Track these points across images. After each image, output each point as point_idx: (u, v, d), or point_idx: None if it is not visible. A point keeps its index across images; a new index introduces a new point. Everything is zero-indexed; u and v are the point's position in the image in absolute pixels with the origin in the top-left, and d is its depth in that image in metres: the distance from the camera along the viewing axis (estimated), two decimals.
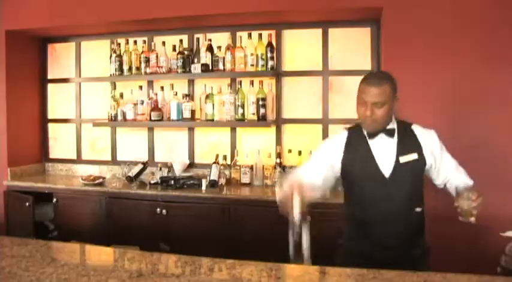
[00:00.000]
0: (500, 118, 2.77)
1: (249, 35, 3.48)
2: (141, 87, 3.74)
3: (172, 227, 3.17)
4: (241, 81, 3.48)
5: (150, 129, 3.91)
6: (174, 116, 3.58)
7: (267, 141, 3.62)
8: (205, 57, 3.51)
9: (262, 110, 3.39)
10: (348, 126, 2.07)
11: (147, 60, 3.66)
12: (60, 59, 4.18)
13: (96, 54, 4.05)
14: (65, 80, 4.17)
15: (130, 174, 3.53)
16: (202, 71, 3.46)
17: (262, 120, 3.39)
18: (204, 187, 3.28)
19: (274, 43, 3.46)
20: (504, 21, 2.74)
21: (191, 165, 3.75)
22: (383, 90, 1.84)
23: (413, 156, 1.89)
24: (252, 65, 3.40)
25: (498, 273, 1.65)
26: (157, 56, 3.63)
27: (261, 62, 3.40)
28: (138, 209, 3.27)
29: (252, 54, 3.40)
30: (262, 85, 3.43)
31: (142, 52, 3.71)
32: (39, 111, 4.19)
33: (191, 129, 3.80)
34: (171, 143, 3.88)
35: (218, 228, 3.09)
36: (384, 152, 1.90)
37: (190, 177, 3.42)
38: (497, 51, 2.76)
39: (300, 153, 3.43)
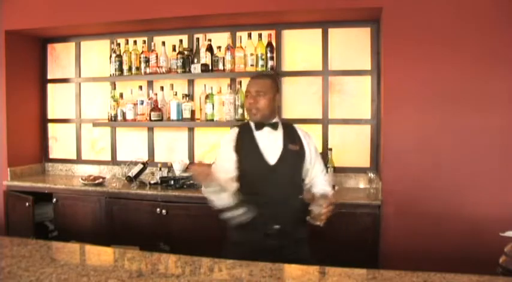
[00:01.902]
0: (500, 118, 2.77)
1: (249, 35, 3.48)
2: (140, 87, 3.74)
3: (172, 227, 3.17)
4: (241, 81, 3.48)
5: (150, 129, 3.91)
6: (174, 116, 3.58)
7: None
8: (205, 57, 3.51)
9: None
10: (238, 124, 2.32)
11: (147, 60, 3.66)
12: (60, 59, 4.18)
13: (96, 54, 4.05)
14: (64, 80, 4.17)
15: (130, 174, 3.53)
16: (202, 71, 3.47)
17: None
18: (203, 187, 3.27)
19: (274, 43, 3.46)
20: (504, 21, 2.74)
21: (191, 165, 3.74)
22: (264, 82, 2.15)
23: (296, 147, 2.14)
24: (252, 65, 3.40)
25: (498, 274, 1.65)
26: (157, 56, 3.63)
27: (260, 62, 3.40)
28: (138, 209, 3.27)
29: (251, 54, 3.40)
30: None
31: (142, 52, 3.71)
32: (39, 112, 4.19)
33: (191, 129, 3.80)
34: (171, 143, 3.88)
35: (218, 228, 3.08)
36: (270, 142, 2.13)
37: (190, 177, 3.41)
38: (497, 51, 2.76)
39: None
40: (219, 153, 2.25)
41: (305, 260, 1.92)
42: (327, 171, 2.44)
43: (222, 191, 2.02)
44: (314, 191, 2.15)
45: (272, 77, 2.24)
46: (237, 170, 2.11)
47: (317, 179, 2.21)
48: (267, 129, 2.15)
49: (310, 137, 2.25)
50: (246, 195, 2.08)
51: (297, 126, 2.27)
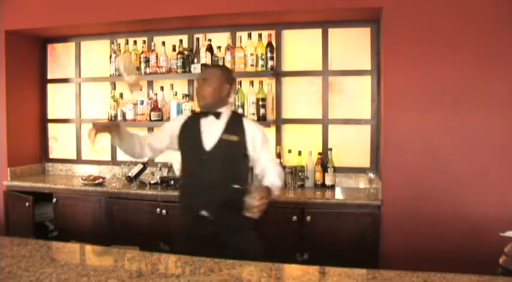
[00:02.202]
0: (501, 118, 2.77)
1: (249, 35, 3.48)
2: (141, 87, 3.74)
3: (172, 227, 3.17)
4: (241, 82, 3.48)
5: (150, 129, 3.90)
6: (174, 116, 3.58)
7: None
8: (205, 57, 3.51)
9: (262, 110, 3.40)
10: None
11: (147, 60, 3.66)
12: (60, 59, 4.18)
13: (96, 54, 4.05)
14: (64, 80, 4.17)
15: (130, 174, 3.53)
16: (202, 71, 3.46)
17: (262, 120, 3.38)
18: None
19: (274, 43, 3.46)
20: (504, 21, 2.74)
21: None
22: (213, 71, 2.27)
23: (235, 138, 2.21)
24: (252, 65, 3.40)
25: (498, 274, 1.65)
26: (157, 56, 3.63)
27: (260, 62, 3.40)
28: (138, 209, 3.27)
29: (251, 54, 3.40)
30: (262, 85, 3.43)
31: (142, 52, 3.71)
32: (39, 111, 4.19)
33: None
34: None
35: None
36: (210, 130, 2.23)
37: None
38: (497, 51, 2.76)
39: (300, 153, 3.43)
40: (162, 127, 2.46)
41: (246, 250, 2.00)
42: (282, 167, 2.55)
43: (123, 144, 2.27)
44: (262, 183, 2.22)
45: (224, 68, 2.38)
46: (179, 152, 2.32)
47: (267, 170, 2.24)
48: (210, 118, 2.25)
49: (258, 130, 2.28)
50: (184, 177, 2.31)
51: (246, 119, 2.34)
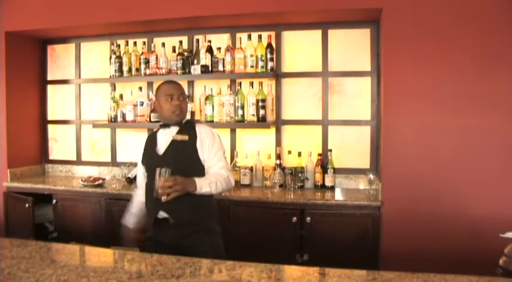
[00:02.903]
0: (501, 118, 2.77)
1: (249, 36, 3.48)
2: (140, 88, 3.75)
3: None
4: (240, 83, 3.48)
5: (150, 131, 3.90)
6: None
7: (266, 142, 3.62)
8: (205, 59, 3.51)
9: (262, 111, 3.39)
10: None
11: (147, 62, 3.67)
12: (60, 60, 4.19)
13: (96, 55, 4.06)
14: (64, 81, 4.17)
15: (130, 175, 3.53)
16: (201, 72, 3.47)
17: (262, 121, 3.39)
18: None
19: (273, 44, 3.46)
20: (504, 21, 2.74)
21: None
22: (182, 87, 2.41)
23: (185, 137, 2.28)
24: (252, 66, 3.40)
25: (498, 275, 1.65)
26: (157, 57, 3.63)
27: (260, 63, 3.40)
28: None
29: (251, 56, 3.40)
30: (261, 86, 3.43)
31: (142, 53, 3.71)
32: (39, 113, 4.20)
33: None
34: None
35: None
36: (166, 136, 2.33)
37: None
38: (497, 52, 2.76)
39: (299, 154, 3.43)
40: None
41: (204, 252, 2.03)
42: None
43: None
44: None
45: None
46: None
47: (214, 172, 2.27)
48: (171, 128, 2.33)
49: (208, 132, 2.33)
50: (146, 187, 2.34)
51: (199, 124, 2.41)
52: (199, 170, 2.27)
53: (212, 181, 2.20)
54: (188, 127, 2.34)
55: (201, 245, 2.20)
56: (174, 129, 2.33)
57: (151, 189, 2.17)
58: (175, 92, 2.32)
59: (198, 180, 2.17)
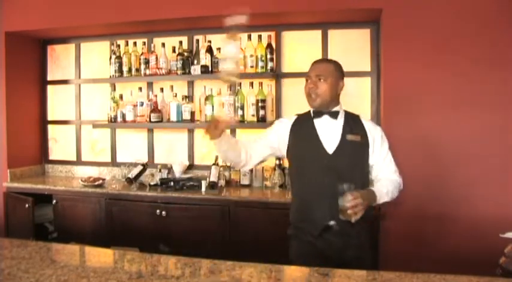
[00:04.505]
0: (500, 119, 2.77)
1: (249, 37, 3.48)
2: (140, 88, 3.75)
3: (172, 229, 3.17)
4: (240, 83, 3.48)
5: (150, 131, 3.91)
6: (173, 118, 3.58)
7: None
8: (204, 59, 3.51)
9: (261, 112, 3.40)
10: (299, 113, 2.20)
11: (147, 62, 3.67)
12: (60, 60, 4.19)
13: (96, 55, 4.06)
14: (64, 82, 4.17)
15: (130, 175, 3.53)
16: (201, 72, 3.47)
17: (261, 121, 3.39)
18: (203, 188, 3.28)
19: (273, 44, 3.46)
20: (504, 21, 2.75)
21: (191, 166, 3.75)
22: (326, 66, 2.03)
23: (358, 138, 2.00)
24: (252, 67, 3.41)
25: (498, 275, 1.65)
26: (156, 58, 3.63)
27: (260, 64, 3.40)
28: (137, 211, 3.27)
29: (251, 56, 3.40)
30: (261, 86, 3.43)
31: (142, 53, 3.71)
32: (39, 113, 4.20)
33: (191, 131, 3.80)
34: (171, 145, 3.88)
35: (218, 229, 3.09)
36: (329, 131, 2.02)
37: (189, 178, 3.42)
38: (497, 52, 2.76)
39: None
40: (266, 131, 2.20)
41: (367, 265, 1.84)
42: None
43: (230, 150, 2.01)
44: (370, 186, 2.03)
45: (336, 63, 2.10)
46: (289, 157, 2.09)
47: (382, 175, 2.04)
48: (325, 117, 2.04)
49: (377, 129, 2.08)
50: (299, 184, 2.05)
51: (363, 118, 2.13)
52: (363, 168, 2.05)
53: (390, 190, 1.97)
54: (353, 121, 2.06)
55: (360, 255, 1.98)
56: (329, 119, 2.04)
57: (314, 189, 1.95)
58: (312, 72, 2.03)
59: (377, 191, 1.93)
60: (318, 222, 1.96)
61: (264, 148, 2.14)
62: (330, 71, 2.02)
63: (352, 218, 1.79)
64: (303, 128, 2.06)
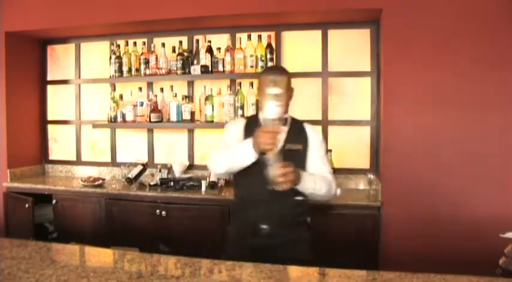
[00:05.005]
0: (500, 119, 2.77)
1: (249, 37, 3.48)
2: (140, 88, 3.75)
3: (172, 229, 3.17)
4: (240, 83, 3.49)
5: (150, 131, 3.91)
6: (173, 118, 3.58)
7: None
8: (204, 59, 3.51)
9: None
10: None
11: (147, 62, 3.67)
12: (60, 60, 4.19)
13: (96, 55, 4.06)
14: (64, 82, 4.17)
15: (130, 175, 3.53)
16: (201, 72, 3.47)
17: None
18: (203, 188, 3.28)
19: (273, 44, 3.46)
20: (504, 21, 2.75)
21: (191, 166, 3.75)
22: (282, 79, 2.04)
23: (297, 145, 2.05)
24: (252, 67, 3.41)
25: (498, 275, 1.65)
26: (156, 58, 3.63)
27: (260, 64, 3.40)
28: (137, 211, 3.27)
29: (251, 56, 3.40)
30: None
31: (141, 53, 3.71)
32: (39, 113, 4.20)
33: (191, 131, 3.80)
34: (171, 145, 3.88)
35: (218, 229, 3.09)
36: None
37: (189, 178, 3.42)
38: (497, 52, 2.76)
39: None
40: (226, 133, 2.20)
41: (304, 260, 1.87)
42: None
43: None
44: None
45: (286, 72, 2.15)
46: None
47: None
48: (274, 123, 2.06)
49: (317, 134, 2.15)
50: (241, 188, 2.14)
51: (306, 124, 2.17)
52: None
53: (318, 182, 1.98)
54: (297, 128, 2.11)
55: (295, 256, 1.97)
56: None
57: (251, 192, 2.03)
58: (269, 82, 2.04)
59: (305, 174, 1.94)
60: (251, 225, 2.05)
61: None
62: (288, 82, 2.09)
63: (281, 187, 1.81)
64: (252, 132, 2.03)
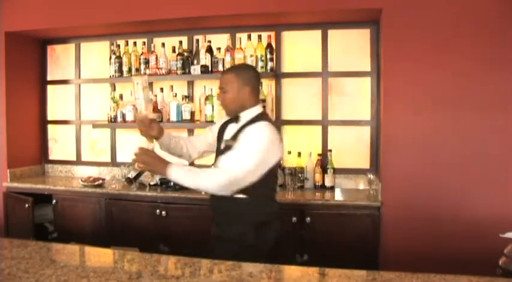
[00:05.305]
0: (500, 119, 2.77)
1: (249, 37, 3.48)
2: None
3: (171, 229, 3.17)
4: None
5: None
6: (173, 118, 3.58)
7: None
8: (204, 59, 3.51)
9: None
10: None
11: (147, 62, 3.67)
12: (60, 60, 4.19)
13: (96, 55, 4.05)
14: (64, 82, 4.17)
15: (129, 175, 3.52)
16: (201, 72, 3.47)
17: None
18: None
19: (273, 44, 3.46)
20: (504, 21, 2.75)
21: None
22: (226, 77, 2.11)
23: (231, 142, 2.05)
24: None
25: (498, 275, 1.65)
26: (156, 58, 3.63)
27: (260, 64, 3.40)
28: (137, 211, 3.27)
29: (251, 56, 3.40)
30: (261, 86, 3.42)
31: (141, 53, 3.71)
32: (39, 113, 4.19)
33: (191, 131, 3.80)
34: None
35: None
36: (227, 135, 2.15)
37: None
38: (497, 52, 2.76)
39: (299, 154, 3.43)
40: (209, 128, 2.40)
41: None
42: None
43: (171, 146, 2.32)
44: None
45: (238, 70, 2.14)
46: None
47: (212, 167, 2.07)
48: (232, 123, 2.15)
49: (246, 134, 2.00)
50: None
51: (257, 125, 2.02)
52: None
53: (198, 174, 1.95)
54: (246, 126, 2.06)
55: (237, 254, 1.91)
56: (233, 124, 2.14)
57: None
58: (219, 84, 2.15)
59: (176, 164, 2.02)
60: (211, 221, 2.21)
61: (200, 143, 2.36)
62: (230, 82, 2.08)
63: (138, 167, 2.09)
64: (221, 129, 2.21)
